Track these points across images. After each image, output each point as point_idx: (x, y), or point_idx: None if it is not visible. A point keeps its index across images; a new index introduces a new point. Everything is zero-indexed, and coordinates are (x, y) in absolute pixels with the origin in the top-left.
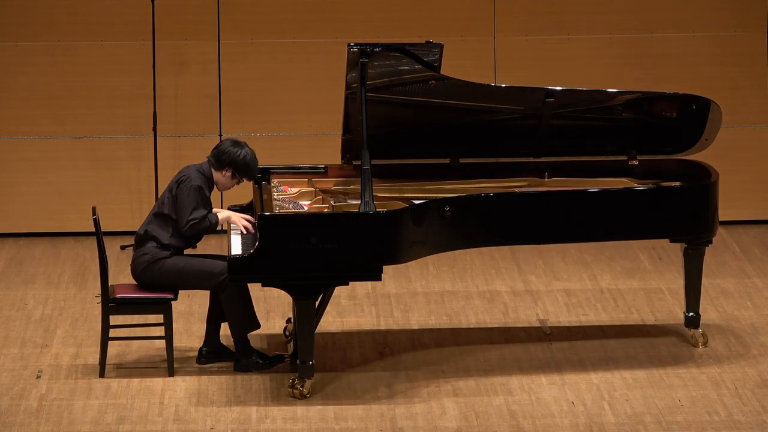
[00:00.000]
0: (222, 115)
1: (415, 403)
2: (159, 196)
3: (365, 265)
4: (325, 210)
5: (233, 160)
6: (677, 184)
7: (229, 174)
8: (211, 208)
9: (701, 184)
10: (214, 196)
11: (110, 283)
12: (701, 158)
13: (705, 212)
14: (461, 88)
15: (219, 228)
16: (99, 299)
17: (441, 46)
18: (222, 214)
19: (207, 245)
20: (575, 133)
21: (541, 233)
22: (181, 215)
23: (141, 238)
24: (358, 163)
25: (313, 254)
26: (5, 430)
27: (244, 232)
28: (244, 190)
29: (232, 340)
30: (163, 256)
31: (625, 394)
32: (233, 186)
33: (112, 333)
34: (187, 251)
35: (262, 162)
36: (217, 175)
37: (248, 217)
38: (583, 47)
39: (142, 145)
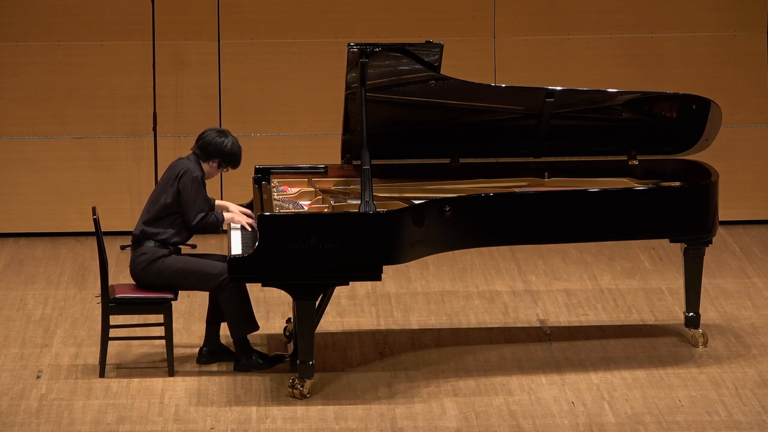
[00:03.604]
0: (222, 115)
1: (415, 403)
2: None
3: (365, 265)
4: (325, 210)
5: (220, 151)
6: (677, 184)
7: (215, 164)
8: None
9: (701, 184)
10: (214, 196)
11: (110, 283)
12: (701, 158)
13: (705, 212)
14: (461, 88)
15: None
16: (99, 299)
17: (441, 46)
18: (227, 214)
19: (207, 245)
20: (575, 133)
21: (541, 233)
22: (190, 209)
23: (137, 238)
24: (358, 163)
25: (313, 254)
26: (5, 430)
27: (249, 229)
28: (245, 190)
29: (231, 339)
30: (162, 255)
31: (625, 394)
32: (217, 174)
33: (112, 333)
34: (186, 251)
35: (262, 162)
36: (203, 166)
37: (248, 212)
38: (583, 47)
39: (142, 145)
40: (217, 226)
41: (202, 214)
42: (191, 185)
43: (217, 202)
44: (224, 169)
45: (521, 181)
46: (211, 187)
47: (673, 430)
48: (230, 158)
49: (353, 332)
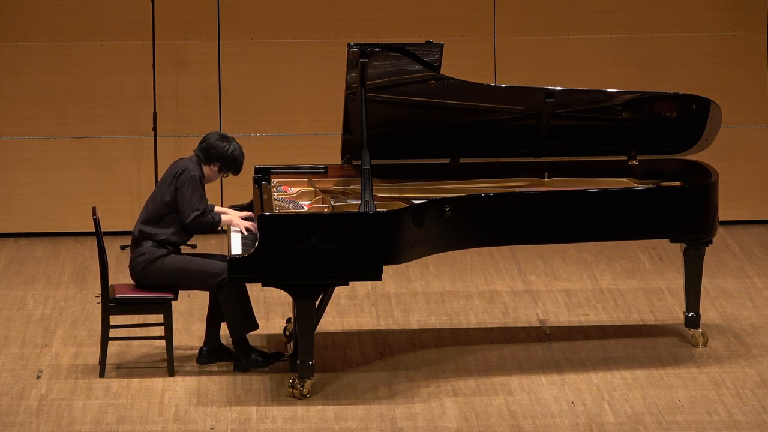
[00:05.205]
0: (222, 115)
1: (415, 403)
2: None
3: (365, 265)
4: (325, 210)
5: (222, 155)
6: (677, 184)
7: (216, 168)
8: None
9: (701, 184)
10: (214, 195)
11: (110, 283)
12: (701, 158)
13: (705, 212)
14: (461, 88)
15: (219, 228)
16: (99, 299)
17: (441, 46)
18: (225, 216)
19: (207, 245)
20: (575, 133)
21: (541, 233)
22: (185, 207)
23: (136, 239)
24: (358, 163)
25: (313, 254)
26: (5, 430)
27: (245, 233)
28: (245, 190)
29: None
30: (161, 255)
31: (625, 394)
32: (217, 179)
33: (112, 333)
34: (186, 251)
35: (262, 162)
36: (204, 169)
37: (249, 214)
38: (583, 47)
39: (142, 145)
40: (213, 227)
41: (198, 212)
42: (188, 183)
43: (216, 208)
44: (225, 175)
45: (521, 181)
46: (211, 186)
47: (673, 430)
48: (231, 163)
49: (353, 332)
